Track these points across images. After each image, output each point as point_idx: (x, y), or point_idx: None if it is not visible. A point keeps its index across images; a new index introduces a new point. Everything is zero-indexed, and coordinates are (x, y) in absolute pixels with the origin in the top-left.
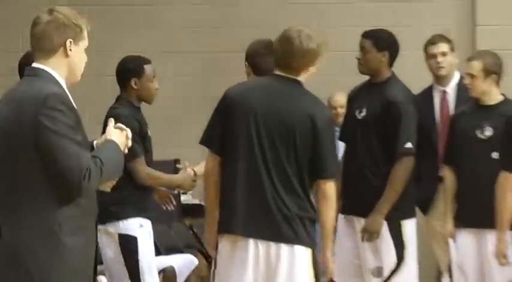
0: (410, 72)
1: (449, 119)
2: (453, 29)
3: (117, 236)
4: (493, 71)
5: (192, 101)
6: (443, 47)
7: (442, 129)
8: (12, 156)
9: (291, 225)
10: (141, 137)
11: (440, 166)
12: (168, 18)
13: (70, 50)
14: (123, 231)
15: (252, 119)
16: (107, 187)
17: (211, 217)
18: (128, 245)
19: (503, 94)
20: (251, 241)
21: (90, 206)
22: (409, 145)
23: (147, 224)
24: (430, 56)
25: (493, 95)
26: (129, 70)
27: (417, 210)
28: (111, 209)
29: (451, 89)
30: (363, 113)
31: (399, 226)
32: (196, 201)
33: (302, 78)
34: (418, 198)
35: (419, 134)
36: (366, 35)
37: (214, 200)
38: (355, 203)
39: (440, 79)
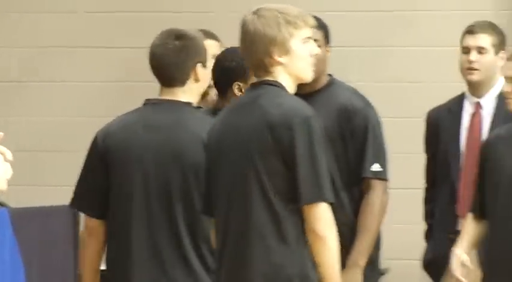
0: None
1: (479, 147)
2: (490, 16)
3: None
4: None
5: None
6: (483, 39)
7: (468, 160)
8: None
9: None
10: None
11: (461, 216)
12: None
13: None
14: None
15: None
16: None
17: None
18: None
19: None
20: None
21: None
22: (377, 168)
23: None
24: (462, 51)
25: None
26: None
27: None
28: None
29: (488, 101)
30: None
31: None
32: None
33: None
34: (426, 259)
35: (435, 165)
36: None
37: None
38: None
39: (472, 86)
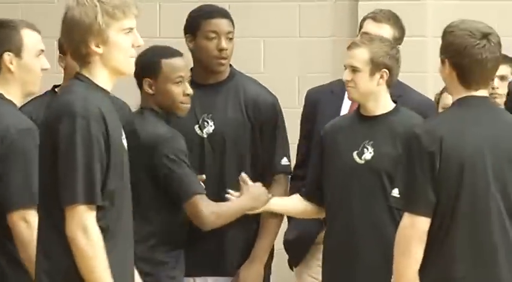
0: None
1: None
2: (329, 5)
3: None
4: (384, 65)
5: None
6: (386, 29)
7: None
8: None
9: None
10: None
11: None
12: None
13: None
14: None
15: None
16: None
17: None
18: None
19: (395, 101)
20: None
21: None
22: (285, 162)
23: None
24: (361, 36)
25: (382, 101)
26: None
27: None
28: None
29: None
30: (210, 127)
31: None
32: None
33: None
34: (290, 238)
35: (308, 144)
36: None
37: None
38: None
39: None
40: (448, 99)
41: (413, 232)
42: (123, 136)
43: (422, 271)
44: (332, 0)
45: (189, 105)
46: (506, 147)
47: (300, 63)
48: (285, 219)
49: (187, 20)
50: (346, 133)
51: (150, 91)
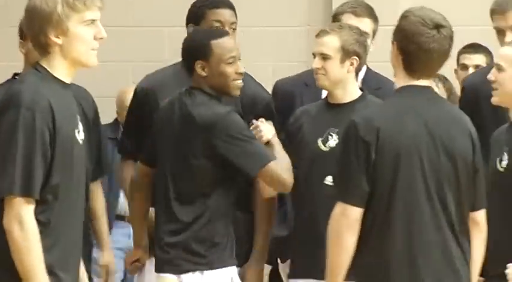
0: None
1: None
2: None
3: None
4: (354, 52)
5: None
6: (366, 24)
7: None
8: None
9: None
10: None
11: None
12: None
13: None
14: None
15: None
16: None
17: None
18: None
19: (361, 89)
20: None
21: None
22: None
23: None
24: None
25: (350, 89)
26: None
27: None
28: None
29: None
30: None
31: None
32: None
33: None
34: (282, 235)
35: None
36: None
37: None
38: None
39: None
40: None
41: (345, 221)
42: (79, 129)
43: (356, 260)
44: None
45: (241, 83)
46: (443, 137)
47: (274, 52)
48: None
49: (190, 10)
50: (313, 121)
51: (203, 73)
